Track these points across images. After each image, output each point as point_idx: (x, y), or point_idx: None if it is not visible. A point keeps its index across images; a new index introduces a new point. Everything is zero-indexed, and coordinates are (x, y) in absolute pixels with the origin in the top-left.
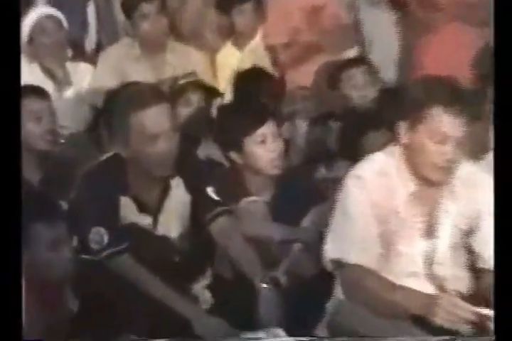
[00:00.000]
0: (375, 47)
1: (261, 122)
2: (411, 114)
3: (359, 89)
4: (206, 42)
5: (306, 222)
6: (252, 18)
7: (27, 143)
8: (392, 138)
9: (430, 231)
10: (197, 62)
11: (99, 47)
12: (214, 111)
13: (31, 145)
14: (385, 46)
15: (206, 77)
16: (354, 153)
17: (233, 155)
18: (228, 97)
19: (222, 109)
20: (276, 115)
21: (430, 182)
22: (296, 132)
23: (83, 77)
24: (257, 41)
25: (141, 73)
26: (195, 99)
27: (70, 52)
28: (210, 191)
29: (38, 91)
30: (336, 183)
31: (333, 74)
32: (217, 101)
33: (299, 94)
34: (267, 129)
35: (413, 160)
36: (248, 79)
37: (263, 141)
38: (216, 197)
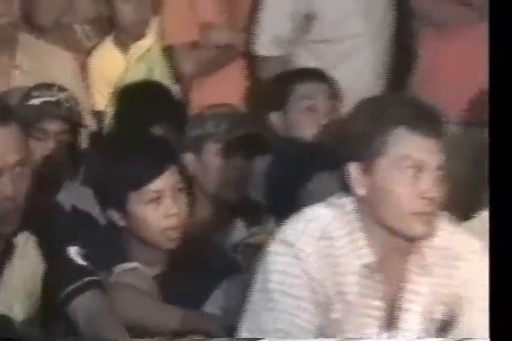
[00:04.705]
0: None
1: (155, 171)
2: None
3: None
4: (73, 37)
5: (211, 305)
6: (143, 6)
7: None
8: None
9: (390, 322)
10: (59, 68)
11: None
12: (84, 142)
13: None
14: None
15: (74, 91)
16: (287, 206)
17: (111, 213)
18: (107, 123)
19: (95, 139)
20: (179, 155)
21: (405, 240)
22: (205, 170)
23: None
24: (149, 40)
25: None
26: (55, 122)
27: None
28: (73, 253)
29: None
30: (258, 249)
31: (279, 88)
32: (90, 128)
33: (210, 118)
34: (165, 181)
35: (374, 212)
36: (136, 99)
37: (157, 200)
38: (82, 262)
